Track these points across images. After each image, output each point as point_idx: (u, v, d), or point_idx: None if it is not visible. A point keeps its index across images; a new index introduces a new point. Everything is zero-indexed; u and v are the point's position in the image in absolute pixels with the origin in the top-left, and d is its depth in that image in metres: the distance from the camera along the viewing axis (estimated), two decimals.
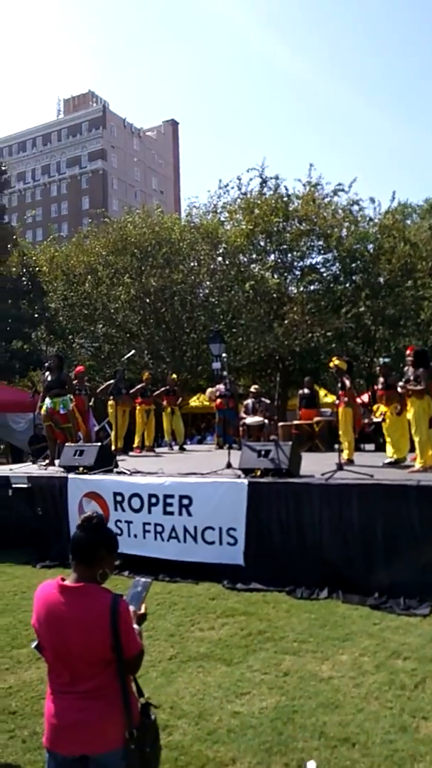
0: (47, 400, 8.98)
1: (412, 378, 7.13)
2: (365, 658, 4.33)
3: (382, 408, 8.27)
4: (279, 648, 4.58)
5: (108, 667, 2.16)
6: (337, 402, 8.55)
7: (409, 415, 7.23)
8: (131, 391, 11.99)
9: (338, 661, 4.32)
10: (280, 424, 11.96)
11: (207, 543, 6.37)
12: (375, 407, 12.27)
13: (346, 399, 8.35)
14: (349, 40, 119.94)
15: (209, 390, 13.08)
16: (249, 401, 11.68)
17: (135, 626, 2.30)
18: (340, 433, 8.42)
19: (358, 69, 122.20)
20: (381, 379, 8.33)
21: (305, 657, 4.41)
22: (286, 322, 19.19)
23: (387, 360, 8.61)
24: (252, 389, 12.16)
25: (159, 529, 6.63)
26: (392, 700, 3.73)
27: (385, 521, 5.61)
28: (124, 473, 7.44)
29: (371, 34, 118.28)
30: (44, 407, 9.03)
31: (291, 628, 4.96)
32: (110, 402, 11.22)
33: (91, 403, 11.45)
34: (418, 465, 6.91)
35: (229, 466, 7.25)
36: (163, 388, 12.68)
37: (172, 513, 6.55)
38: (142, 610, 2.43)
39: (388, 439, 8.11)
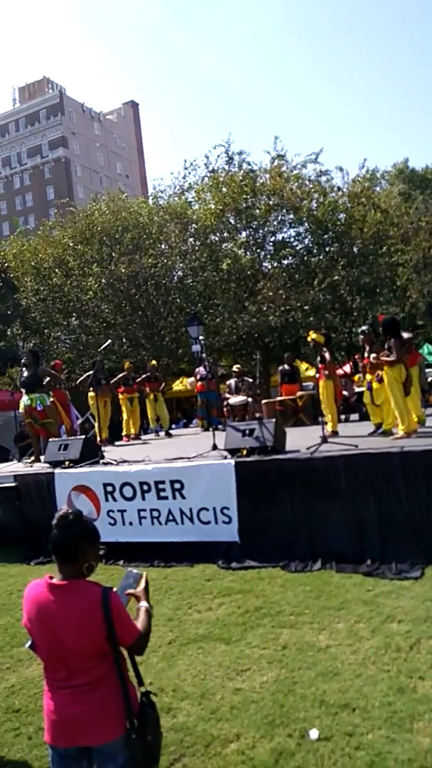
0: (24, 397, 8.92)
1: (386, 347, 7.18)
2: (360, 625, 4.41)
3: (369, 376, 8.30)
4: (276, 622, 4.65)
5: (104, 659, 2.18)
6: (317, 375, 8.57)
7: (385, 384, 7.29)
8: (112, 381, 11.96)
9: (335, 629, 4.40)
10: (264, 401, 12.00)
11: (203, 523, 6.45)
12: (356, 377, 12.38)
13: (326, 372, 8.39)
14: (313, 14, 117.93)
15: (190, 380, 13.06)
16: (232, 381, 11.69)
17: (143, 604, 2.37)
18: (322, 406, 8.47)
19: (317, 40, 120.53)
20: (366, 347, 8.33)
21: (302, 629, 4.48)
22: (259, 298, 19.15)
23: (366, 329, 8.59)
24: (234, 369, 12.17)
25: (155, 514, 6.68)
26: (389, 663, 3.81)
27: (373, 489, 5.69)
28: (111, 463, 7.43)
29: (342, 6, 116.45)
30: (21, 404, 8.98)
31: (287, 602, 5.03)
32: (90, 393, 11.19)
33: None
34: (400, 432, 6.99)
35: (214, 447, 7.28)
36: (144, 375, 12.64)
37: (166, 498, 6.59)
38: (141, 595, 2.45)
39: (370, 408, 8.16)
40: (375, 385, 7.75)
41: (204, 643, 4.45)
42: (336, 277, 19.32)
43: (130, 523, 6.84)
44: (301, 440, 7.14)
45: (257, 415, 10.50)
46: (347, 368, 19.73)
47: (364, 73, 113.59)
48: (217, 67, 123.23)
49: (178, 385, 23.83)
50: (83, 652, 2.16)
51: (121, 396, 12.12)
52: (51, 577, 2.25)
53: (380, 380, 7.68)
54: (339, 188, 21.17)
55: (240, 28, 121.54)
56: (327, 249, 20.89)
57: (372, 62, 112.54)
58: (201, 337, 8.82)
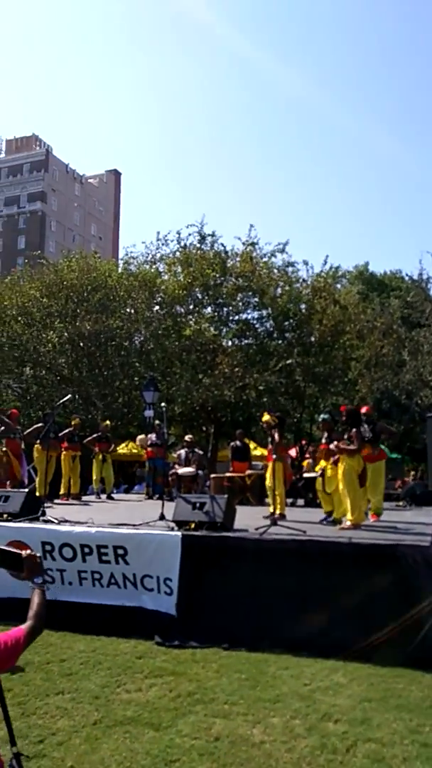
0: None
1: (344, 437, 7.37)
2: (296, 721, 4.26)
3: (322, 463, 8.41)
4: (209, 711, 4.43)
5: None
6: (274, 456, 8.63)
7: (340, 473, 7.42)
8: (59, 435, 11.67)
9: (270, 724, 4.22)
10: (213, 475, 11.94)
11: (147, 589, 6.23)
12: (305, 462, 12.57)
13: (275, 454, 8.46)
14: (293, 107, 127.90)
15: (140, 437, 12.93)
16: (182, 451, 11.61)
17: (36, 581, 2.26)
18: (270, 487, 8.48)
19: (300, 138, 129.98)
20: (325, 434, 8.50)
21: (236, 720, 4.28)
22: (216, 372, 19.49)
23: (326, 416, 8.83)
24: (186, 438, 12.13)
25: (97, 576, 6.42)
26: (324, 765, 3.67)
27: (321, 576, 5.65)
28: (52, 522, 7.15)
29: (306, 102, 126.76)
30: None
31: (221, 689, 4.82)
32: (37, 446, 10.87)
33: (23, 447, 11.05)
34: (348, 522, 7.06)
35: (162, 518, 7.14)
36: (95, 435, 12.41)
37: (108, 562, 6.35)
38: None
39: (321, 495, 8.23)
40: (329, 472, 7.87)
41: (132, 727, 4.18)
42: (291, 362, 19.95)
43: (70, 583, 6.53)
44: (248, 519, 7.10)
45: (206, 488, 10.41)
46: (293, 452, 20.02)
47: (333, 182, 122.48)
48: (196, 151, 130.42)
49: (122, 449, 23.51)
50: None
51: (64, 453, 11.76)
52: None
53: (336, 463, 7.81)
54: (304, 280, 22.27)
55: (225, 120, 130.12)
56: (286, 335, 21.67)
57: (338, 176, 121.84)
58: (163, 404, 8.80)
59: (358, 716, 4.33)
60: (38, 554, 2.38)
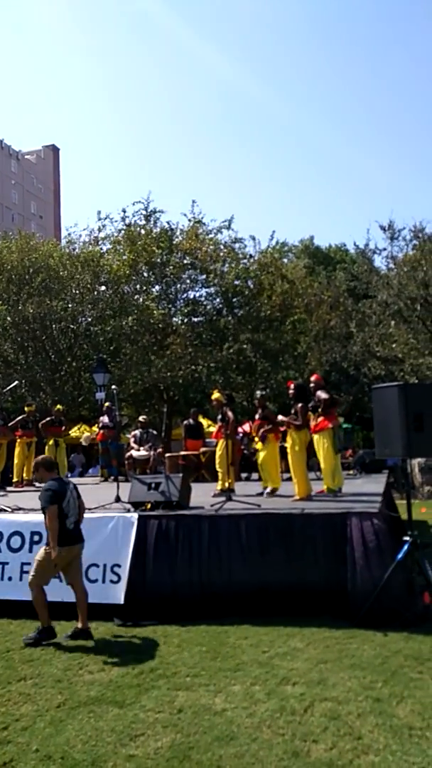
0: None
1: (292, 412, 7.51)
2: (256, 687, 4.42)
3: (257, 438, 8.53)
4: (172, 684, 4.54)
5: None
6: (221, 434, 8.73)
7: (288, 446, 7.58)
8: (11, 423, 11.47)
9: (231, 692, 4.37)
10: (167, 455, 11.99)
11: (90, 581, 6.13)
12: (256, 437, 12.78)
13: (227, 431, 8.55)
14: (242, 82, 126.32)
15: (84, 436, 12.78)
16: (137, 432, 11.59)
17: None
18: (217, 463, 8.61)
19: (245, 113, 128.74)
20: (259, 410, 8.64)
21: (198, 691, 4.41)
22: (168, 352, 19.45)
23: (262, 393, 9.01)
24: (140, 419, 12.11)
25: None
26: (284, 727, 3.83)
27: (274, 547, 5.81)
28: (5, 510, 7.06)
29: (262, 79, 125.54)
30: None
31: (183, 662, 4.94)
32: None
33: None
34: (297, 495, 7.24)
35: (118, 499, 7.15)
36: (48, 419, 12.23)
37: None
38: None
39: (261, 471, 8.42)
40: (259, 446, 8.10)
41: (95, 707, 4.24)
42: (243, 339, 20.09)
43: (10, 578, 6.37)
44: (204, 496, 7.20)
45: (159, 468, 10.46)
46: (246, 427, 20.24)
47: (282, 158, 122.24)
48: (140, 125, 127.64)
49: (75, 432, 23.23)
50: None
51: (19, 440, 11.60)
52: None
53: (263, 439, 8.03)
54: (251, 256, 22.33)
55: (164, 97, 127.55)
56: (236, 311, 21.77)
57: (278, 152, 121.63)
58: (114, 387, 8.73)
59: (314, 678, 4.52)
60: None
